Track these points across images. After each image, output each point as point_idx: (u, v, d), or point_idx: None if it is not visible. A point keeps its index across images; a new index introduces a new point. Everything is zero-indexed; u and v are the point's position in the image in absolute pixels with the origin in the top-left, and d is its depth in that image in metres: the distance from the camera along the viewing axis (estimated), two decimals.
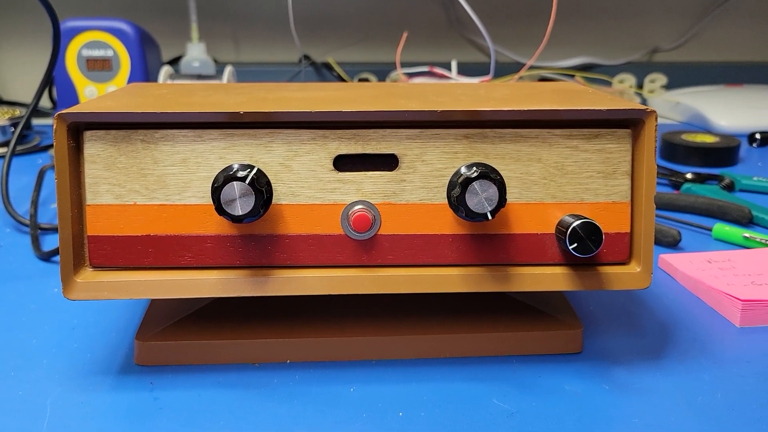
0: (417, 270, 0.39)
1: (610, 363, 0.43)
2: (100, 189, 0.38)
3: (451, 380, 0.41)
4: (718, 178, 0.78)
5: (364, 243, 0.39)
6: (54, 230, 0.64)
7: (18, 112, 0.97)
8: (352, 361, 0.43)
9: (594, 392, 0.40)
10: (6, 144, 0.93)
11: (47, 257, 0.58)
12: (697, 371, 0.42)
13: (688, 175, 0.79)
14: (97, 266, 0.39)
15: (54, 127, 0.36)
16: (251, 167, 0.37)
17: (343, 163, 0.39)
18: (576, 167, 0.39)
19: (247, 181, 0.35)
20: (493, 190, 0.36)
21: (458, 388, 0.40)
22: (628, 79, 1.29)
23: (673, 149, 0.90)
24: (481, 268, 0.40)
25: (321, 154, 0.38)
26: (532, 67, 1.20)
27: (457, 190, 0.37)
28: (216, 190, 0.35)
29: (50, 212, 0.70)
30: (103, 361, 0.43)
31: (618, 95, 1.13)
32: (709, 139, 0.91)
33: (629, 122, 0.39)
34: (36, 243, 0.59)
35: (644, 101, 1.25)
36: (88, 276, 0.38)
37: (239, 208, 0.36)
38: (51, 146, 0.94)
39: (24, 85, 1.24)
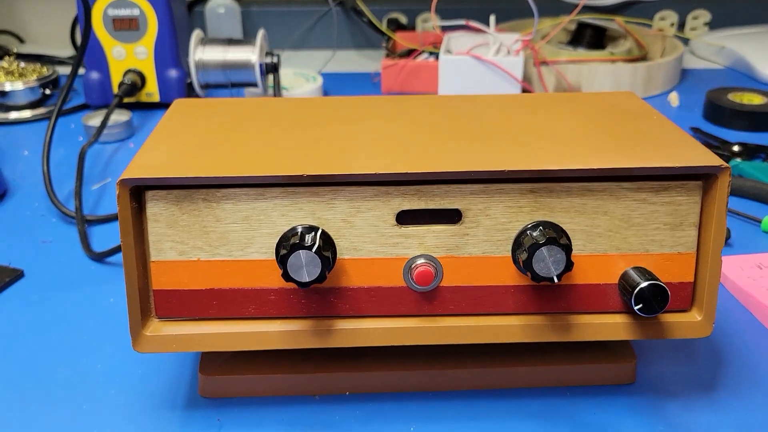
0: (477, 320, 0.40)
1: (664, 397, 0.44)
2: (163, 246, 0.38)
3: (509, 418, 0.42)
4: (767, 153, 0.76)
5: (426, 294, 0.39)
6: (101, 221, 0.64)
7: (45, 69, 0.96)
8: (409, 392, 0.44)
9: None
10: (35, 105, 0.92)
11: (99, 258, 0.58)
12: (750, 410, 0.43)
13: (735, 148, 0.77)
14: (163, 317, 0.39)
15: (117, 192, 0.36)
16: (315, 230, 0.36)
17: (405, 216, 0.38)
18: (642, 219, 0.38)
19: (313, 250, 0.35)
20: (560, 255, 0.36)
21: (517, 429, 0.41)
22: (670, 16, 1.24)
23: (719, 111, 0.87)
24: (542, 317, 0.40)
25: (384, 211, 0.38)
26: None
27: (524, 255, 0.36)
28: (283, 259, 0.35)
29: (93, 195, 0.70)
30: (169, 392, 0.44)
31: (660, 39, 1.09)
32: (756, 100, 0.88)
33: (701, 174, 0.38)
34: (85, 241, 0.59)
35: (686, 43, 1.20)
36: (155, 328, 0.39)
37: (306, 276, 0.35)
38: (83, 106, 0.93)
39: (46, 29, 1.21)
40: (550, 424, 0.42)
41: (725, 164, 0.37)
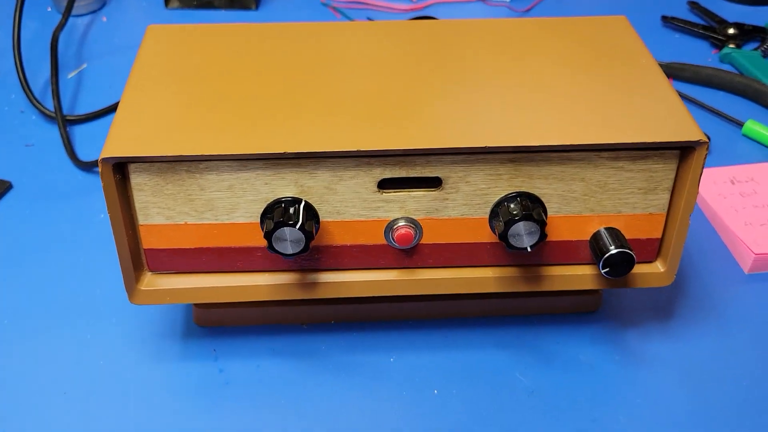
0: (454, 272, 0.42)
1: (624, 325, 0.47)
2: (150, 212, 0.39)
3: (480, 347, 0.46)
4: (762, 37, 0.74)
5: (407, 250, 0.41)
6: (83, 120, 0.64)
7: None
8: (388, 324, 0.47)
9: (605, 365, 0.45)
10: None
11: (86, 167, 0.59)
12: (700, 337, 0.47)
13: (731, 30, 0.75)
14: (156, 271, 0.41)
15: (100, 170, 0.36)
16: (298, 202, 0.37)
17: (386, 182, 0.39)
18: (618, 185, 0.39)
19: (297, 227, 0.36)
20: (535, 229, 0.37)
21: (486, 359, 0.45)
22: None
23: None
24: (515, 269, 0.42)
25: (365, 179, 0.38)
26: None
27: (501, 226, 0.38)
28: (268, 234, 0.37)
29: (70, 85, 0.69)
30: (166, 320, 0.47)
31: None
32: None
33: (679, 145, 0.38)
34: (69, 148, 0.59)
35: None
36: (149, 282, 0.41)
37: (290, 248, 0.37)
38: None
39: None
40: (517, 356, 0.46)
41: (703, 138, 0.37)
